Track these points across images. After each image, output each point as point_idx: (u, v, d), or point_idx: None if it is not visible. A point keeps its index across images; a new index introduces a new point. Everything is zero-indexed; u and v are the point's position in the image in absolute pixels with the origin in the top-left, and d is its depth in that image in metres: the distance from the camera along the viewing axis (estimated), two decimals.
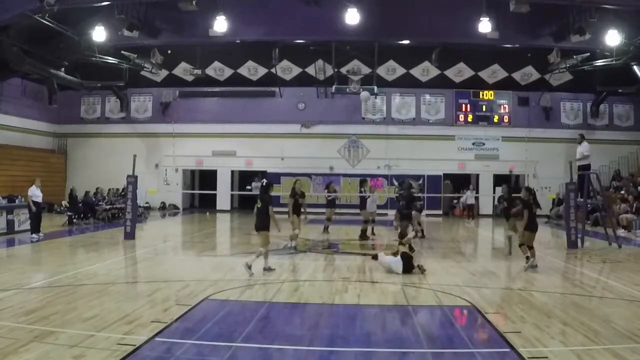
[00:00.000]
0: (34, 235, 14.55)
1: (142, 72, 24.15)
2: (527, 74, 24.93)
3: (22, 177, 21.36)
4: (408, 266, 9.65)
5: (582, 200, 14.95)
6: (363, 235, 14.98)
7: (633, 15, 16.73)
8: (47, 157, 25.84)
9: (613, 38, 17.07)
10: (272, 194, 11.28)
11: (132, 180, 14.82)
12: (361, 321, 6.80)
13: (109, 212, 20.09)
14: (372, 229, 15.86)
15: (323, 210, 25.29)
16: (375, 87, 22.39)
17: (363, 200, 15.54)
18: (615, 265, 11.32)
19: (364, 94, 21.78)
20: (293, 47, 23.05)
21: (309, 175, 25.87)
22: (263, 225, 9.54)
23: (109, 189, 21.96)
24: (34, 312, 6.57)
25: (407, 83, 25.49)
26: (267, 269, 9.65)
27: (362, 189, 15.68)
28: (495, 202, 21.48)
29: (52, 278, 8.83)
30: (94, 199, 20.12)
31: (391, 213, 24.34)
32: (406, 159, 25.41)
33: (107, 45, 19.62)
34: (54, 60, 20.92)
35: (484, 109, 26.03)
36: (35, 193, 14.86)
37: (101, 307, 6.88)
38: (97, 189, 21.33)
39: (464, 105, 26.02)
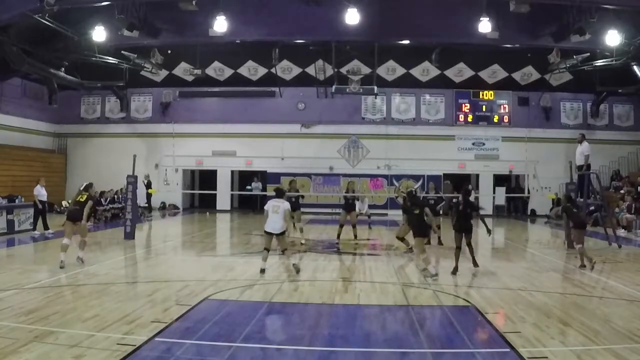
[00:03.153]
0: (39, 232, 15.32)
1: (142, 72, 24.11)
2: (527, 74, 24.92)
3: (22, 177, 21.38)
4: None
5: (582, 200, 14.95)
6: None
7: (633, 15, 16.71)
8: (47, 157, 25.81)
9: (613, 38, 17.05)
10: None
11: (132, 180, 14.83)
12: (361, 321, 6.80)
13: (109, 212, 20.08)
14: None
15: (322, 210, 25.28)
16: (375, 87, 22.37)
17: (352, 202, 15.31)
18: (615, 265, 11.32)
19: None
20: (293, 47, 23.03)
21: (309, 175, 25.88)
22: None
23: (117, 190, 21.76)
24: (34, 312, 6.57)
25: (407, 83, 25.46)
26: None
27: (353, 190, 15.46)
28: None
29: (52, 278, 8.83)
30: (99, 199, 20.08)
31: (391, 213, 24.38)
32: (406, 159, 25.39)
33: (107, 45, 19.59)
34: (54, 60, 20.90)
35: (484, 109, 26.01)
36: (41, 192, 15.64)
37: (101, 307, 6.88)
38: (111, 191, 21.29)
39: (464, 105, 26.00)
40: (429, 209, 10.66)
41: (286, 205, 9.45)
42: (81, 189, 10.71)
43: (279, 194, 9.75)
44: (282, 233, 9.41)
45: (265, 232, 9.43)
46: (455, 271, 9.76)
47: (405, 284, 8.87)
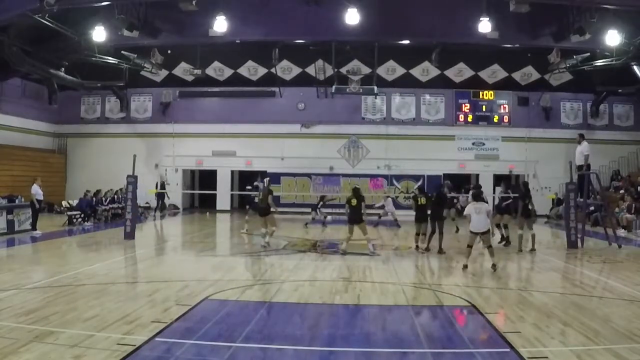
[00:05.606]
0: (38, 232, 15.24)
1: (142, 72, 24.12)
2: (527, 74, 24.91)
3: (22, 177, 21.37)
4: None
5: (582, 200, 14.95)
6: None
7: (633, 15, 16.72)
8: (47, 157, 25.82)
9: (613, 38, 17.05)
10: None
11: (132, 180, 14.82)
12: (361, 321, 6.81)
13: (109, 212, 20.07)
14: None
15: (322, 210, 25.18)
16: (375, 87, 22.37)
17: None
18: (615, 265, 11.31)
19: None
20: (293, 47, 23.03)
21: (308, 175, 25.88)
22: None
23: (117, 190, 21.71)
24: (34, 312, 6.57)
25: (407, 83, 25.45)
26: None
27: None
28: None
29: (52, 278, 8.82)
30: (94, 199, 20.08)
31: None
32: (406, 159, 25.39)
33: (107, 45, 19.59)
34: (54, 60, 20.90)
35: (484, 109, 26.00)
36: (38, 191, 15.54)
37: (101, 307, 6.88)
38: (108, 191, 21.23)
39: (464, 105, 25.99)
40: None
41: None
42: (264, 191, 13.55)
43: None
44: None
45: None
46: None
47: (405, 284, 8.86)
